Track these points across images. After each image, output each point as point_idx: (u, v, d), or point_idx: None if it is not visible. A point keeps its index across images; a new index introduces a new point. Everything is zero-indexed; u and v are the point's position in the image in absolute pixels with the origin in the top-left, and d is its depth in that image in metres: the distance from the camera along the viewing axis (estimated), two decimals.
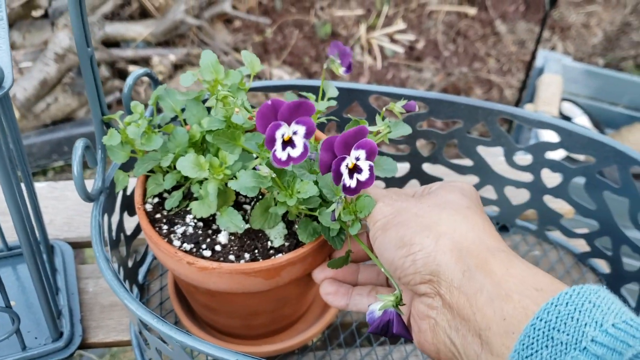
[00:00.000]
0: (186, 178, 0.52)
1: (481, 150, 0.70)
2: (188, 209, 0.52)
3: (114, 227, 0.59)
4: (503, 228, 0.77)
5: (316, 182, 0.45)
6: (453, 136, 0.69)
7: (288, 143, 0.41)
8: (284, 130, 0.40)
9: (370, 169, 0.43)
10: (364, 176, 0.43)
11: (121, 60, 2.13)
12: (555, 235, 0.75)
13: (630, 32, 2.44)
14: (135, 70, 0.56)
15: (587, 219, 0.68)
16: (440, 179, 0.74)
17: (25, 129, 1.94)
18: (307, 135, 0.41)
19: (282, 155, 0.41)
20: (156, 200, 0.54)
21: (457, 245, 0.40)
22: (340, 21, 2.43)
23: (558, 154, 0.76)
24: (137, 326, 0.53)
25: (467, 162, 0.72)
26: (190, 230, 0.51)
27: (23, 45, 2.01)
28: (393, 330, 0.43)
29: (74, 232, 0.75)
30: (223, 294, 0.52)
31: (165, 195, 0.54)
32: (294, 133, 0.41)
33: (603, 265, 0.72)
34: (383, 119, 0.50)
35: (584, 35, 2.46)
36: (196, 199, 0.51)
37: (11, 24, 1.99)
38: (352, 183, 0.43)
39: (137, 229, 0.66)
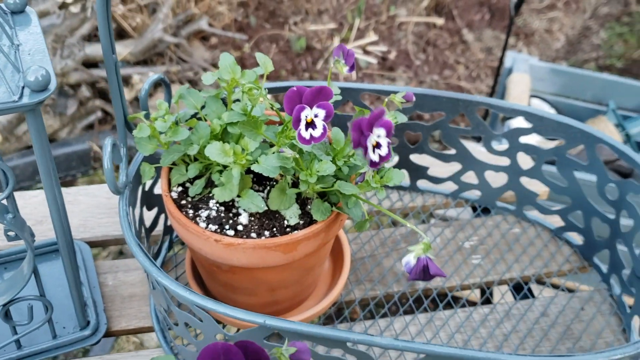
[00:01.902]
0: (207, 168, 0.58)
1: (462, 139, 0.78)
2: (210, 194, 0.58)
3: (136, 220, 0.65)
4: (485, 210, 0.85)
5: (333, 161, 0.52)
6: (437, 127, 0.76)
7: (310, 124, 0.47)
8: (307, 112, 0.47)
9: (388, 145, 0.50)
10: (383, 151, 0.49)
11: (102, 80, 2.17)
12: (533, 213, 0.83)
13: (590, 36, 2.57)
14: (151, 76, 0.62)
15: (560, 196, 0.76)
16: (427, 168, 0.82)
17: (7, 152, 1.96)
18: (326, 118, 0.47)
19: (305, 134, 0.47)
20: (180, 189, 0.60)
21: None
22: (314, 35, 2.51)
23: (531, 139, 0.83)
24: (166, 304, 0.59)
25: (451, 151, 0.79)
26: (214, 213, 0.57)
27: None
28: (430, 272, 0.52)
29: (89, 233, 0.80)
30: (244, 270, 0.58)
31: (188, 185, 0.60)
32: (315, 116, 0.47)
33: (576, 238, 0.80)
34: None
35: (547, 40, 2.58)
36: (216, 186, 0.57)
37: None
38: (375, 157, 0.49)
39: (154, 223, 0.72)
